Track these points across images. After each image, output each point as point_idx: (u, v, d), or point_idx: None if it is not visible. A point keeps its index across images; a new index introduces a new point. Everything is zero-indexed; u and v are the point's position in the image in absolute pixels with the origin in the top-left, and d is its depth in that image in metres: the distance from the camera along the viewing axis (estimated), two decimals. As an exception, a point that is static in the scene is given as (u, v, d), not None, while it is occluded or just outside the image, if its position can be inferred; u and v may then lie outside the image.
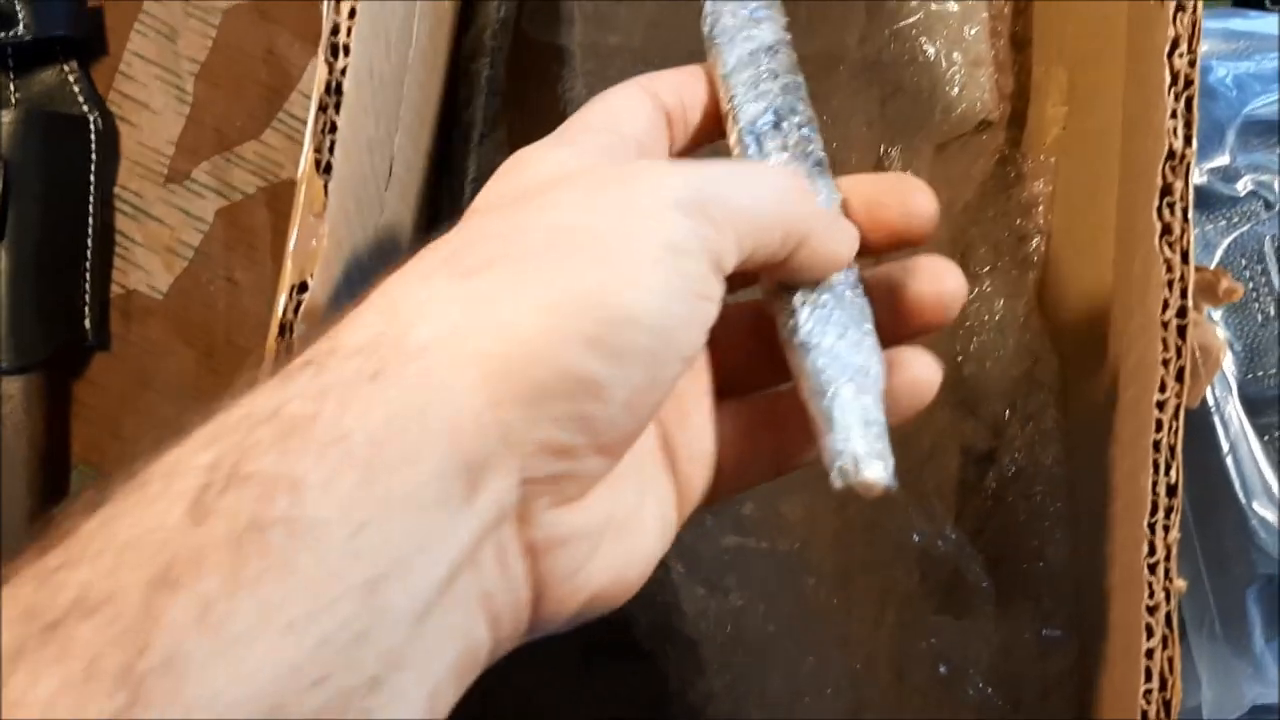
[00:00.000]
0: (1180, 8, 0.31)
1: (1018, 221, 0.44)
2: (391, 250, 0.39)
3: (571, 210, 0.22)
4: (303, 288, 0.29)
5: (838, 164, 0.29)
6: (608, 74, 0.48)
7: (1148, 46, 0.32)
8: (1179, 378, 0.30)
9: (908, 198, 0.27)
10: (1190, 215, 0.30)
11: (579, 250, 0.21)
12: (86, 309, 0.46)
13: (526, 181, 0.24)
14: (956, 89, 0.46)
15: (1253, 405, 0.40)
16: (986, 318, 0.44)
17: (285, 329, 0.29)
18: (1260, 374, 0.41)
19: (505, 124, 0.46)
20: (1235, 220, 0.42)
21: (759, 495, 0.42)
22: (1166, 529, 0.29)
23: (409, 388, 0.19)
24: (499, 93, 0.47)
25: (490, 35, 0.47)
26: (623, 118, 0.26)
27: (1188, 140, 0.30)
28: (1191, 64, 0.31)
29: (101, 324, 0.47)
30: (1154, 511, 0.29)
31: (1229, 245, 0.42)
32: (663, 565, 0.44)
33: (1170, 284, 0.30)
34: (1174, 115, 0.31)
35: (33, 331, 0.45)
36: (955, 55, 0.46)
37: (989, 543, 0.42)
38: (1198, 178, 0.42)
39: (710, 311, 0.23)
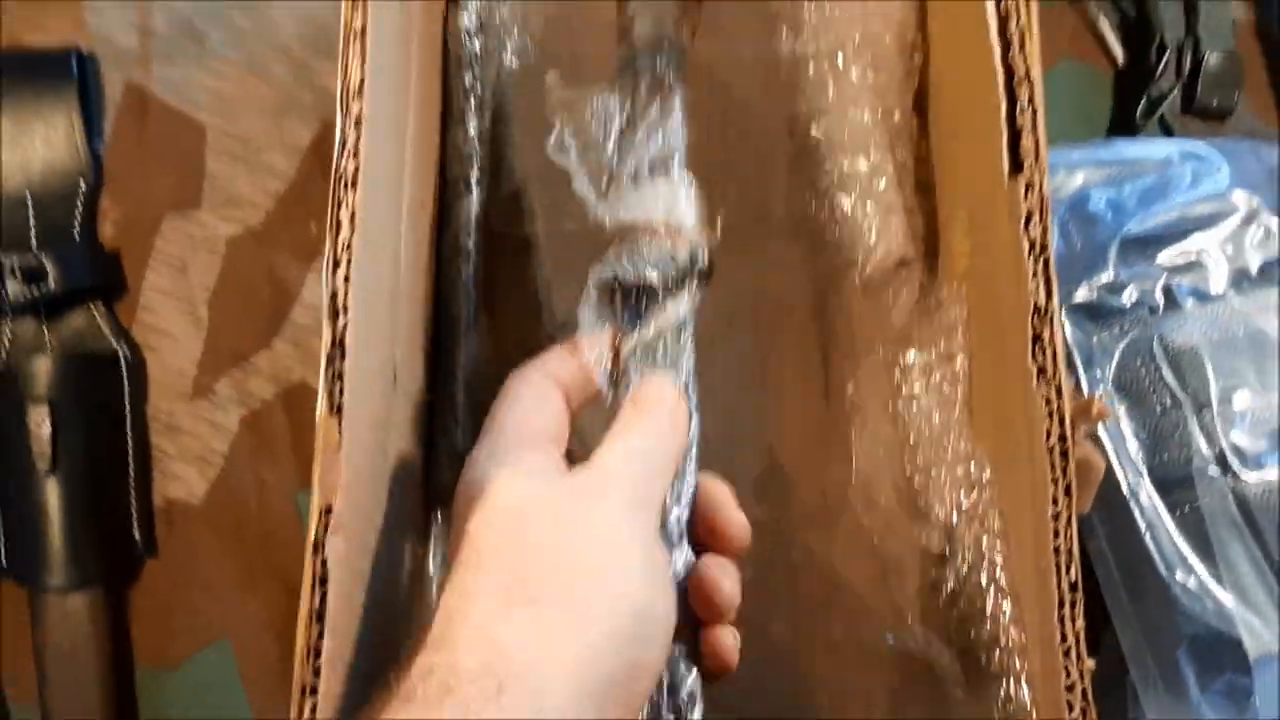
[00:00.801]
0: (1029, 186, 0.38)
1: (942, 343, 0.51)
2: (395, 454, 0.46)
3: (573, 549, 0.31)
4: (328, 510, 0.35)
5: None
6: (569, 255, 0.55)
7: (1010, 215, 0.39)
8: (1067, 492, 0.36)
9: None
10: (1059, 358, 0.37)
11: (596, 579, 0.31)
12: (134, 522, 0.53)
13: (508, 508, 0.33)
14: (874, 235, 0.53)
15: (1163, 486, 0.46)
16: (927, 432, 0.51)
17: (318, 546, 0.35)
18: (1166, 457, 0.47)
19: (488, 312, 0.53)
20: (1126, 327, 0.49)
21: (750, 620, 0.48)
22: (1073, 620, 0.35)
23: (526, 705, 0.28)
24: (478, 284, 0.53)
25: (464, 235, 0.54)
26: (531, 417, 0.36)
27: (1048, 295, 0.37)
28: (1044, 231, 0.38)
29: (148, 533, 0.53)
30: (1061, 605, 0.35)
31: (1124, 349, 0.48)
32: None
33: (1050, 415, 0.37)
34: (1035, 275, 0.38)
35: (90, 550, 0.51)
36: (869, 206, 0.53)
37: (954, 635, 0.48)
38: (1087, 295, 0.49)
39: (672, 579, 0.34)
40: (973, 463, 0.49)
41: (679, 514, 0.37)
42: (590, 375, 0.39)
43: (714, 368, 0.43)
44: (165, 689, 0.51)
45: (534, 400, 0.37)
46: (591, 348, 0.39)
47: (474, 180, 0.54)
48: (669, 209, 0.42)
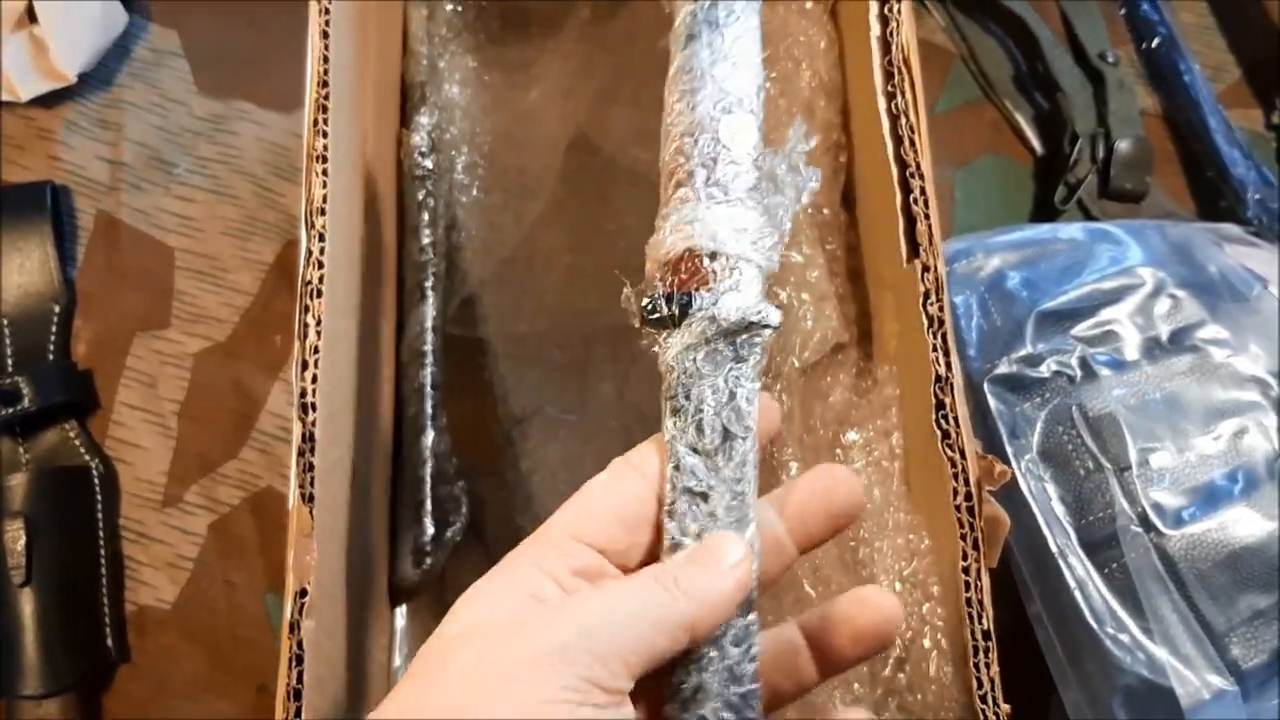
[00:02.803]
0: (926, 269, 0.45)
1: (879, 421, 0.57)
2: (360, 550, 0.51)
3: (467, 689, 0.30)
4: (303, 593, 0.41)
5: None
6: (523, 353, 0.61)
7: (913, 295, 0.46)
8: (975, 546, 0.42)
9: (834, 491, 0.36)
10: (962, 421, 0.43)
11: None
12: (107, 628, 0.57)
13: (454, 635, 0.31)
14: (810, 322, 0.59)
15: (1090, 546, 0.52)
16: (870, 506, 0.57)
17: (294, 627, 0.40)
18: (1091, 519, 0.53)
19: (446, 412, 0.59)
20: (1047, 396, 0.55)
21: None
22: (988, 665, 0.41)
23: None
24: (437, 386, 0.59)
25: (422, 340, 0.60)
26: (599, 518, 0.34)
27: (948, 365, 0.44)
28: (941, 309, 0.44)
29: (120, 640, 0.58)
30: (976, 654, 0.41)
31: (1045, 418, 0.54)
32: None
33: (956, 476, 0.42)
34: (934, 349, 0.44)
35: (63, 658, 0.56)
36: (804, 295, 0.59)
37: (904, 700, 0.53)
38: (1008, 368, 0.55)
39: None
40: (911, 534, 0.54)
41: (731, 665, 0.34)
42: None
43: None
44: (140, 790, 0.55)
45: (607, 483, 0.35)
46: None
47: (430, 287, 0.60)
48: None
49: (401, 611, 0.58)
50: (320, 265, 0.43)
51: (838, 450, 0.58)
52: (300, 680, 0.40)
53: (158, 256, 0.64)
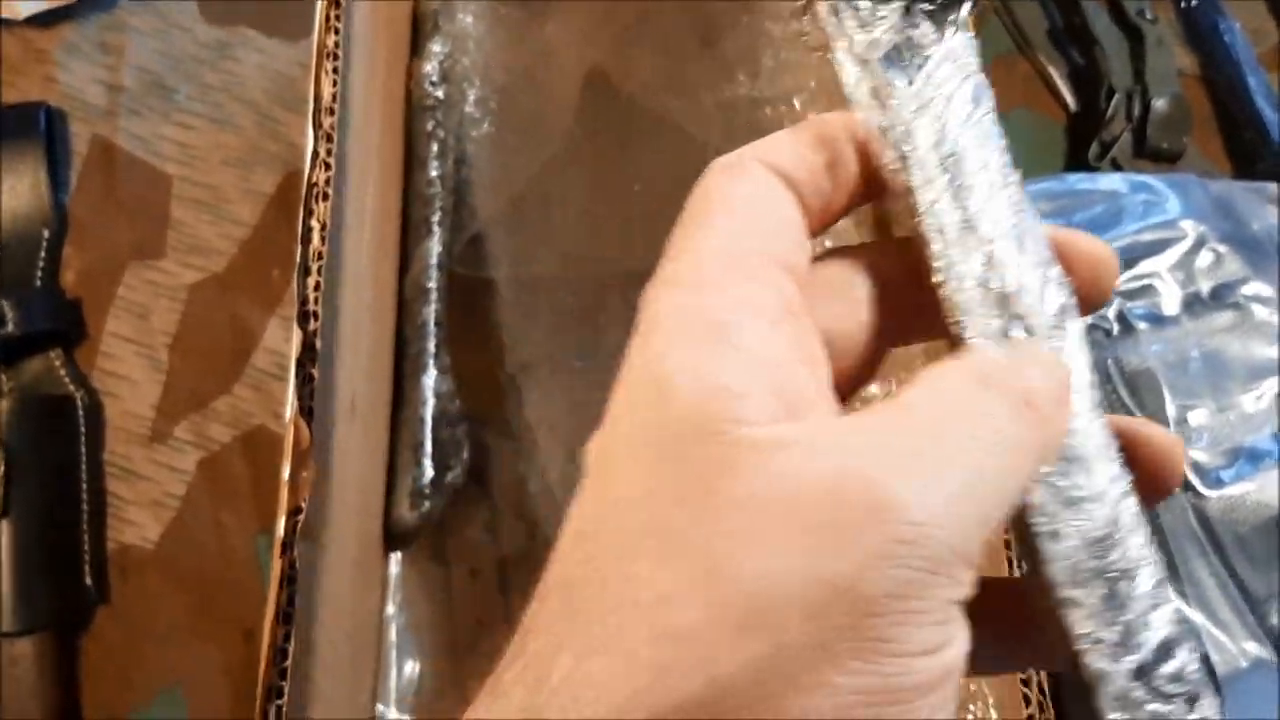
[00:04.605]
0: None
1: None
2: (354, 487, 0.49)
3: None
4: (298, 510, 0.38)
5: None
6: (533, 298, 0.59)
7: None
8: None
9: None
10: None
11: None
12: (87, 567, 0.55)
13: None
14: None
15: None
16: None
17: (287, 547, 0.37)
18: (1127, 477, 0.50)
19: (449, 353, 0.56)
20: (1083, 349, 0.52)
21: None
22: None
23: None
24: (441, 324, 0.57)
25: (427, 277, 0.57)
26: (751, 225, 0.23)
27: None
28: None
29: (101, 580, 0.55)
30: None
31: (1080, 371, 0.52)
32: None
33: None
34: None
35: (39, 595, 0.53)
36: (828, 244, 0.57)
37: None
38: (1042, 318, 0.53)
39: None
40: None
41: None
42: (841, 171, 0.25)
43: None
44: (115, 734, 0.52)
45: (753, 201, 0.23)
46: (843, 128, 0.25)
47: (436, 222, 0.58)
48: None
49: (396, 558, 0.55)
50: (327, 168, 0.41)
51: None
52: (291, 603, 0.37)
53: (154, 184, 0.61)
